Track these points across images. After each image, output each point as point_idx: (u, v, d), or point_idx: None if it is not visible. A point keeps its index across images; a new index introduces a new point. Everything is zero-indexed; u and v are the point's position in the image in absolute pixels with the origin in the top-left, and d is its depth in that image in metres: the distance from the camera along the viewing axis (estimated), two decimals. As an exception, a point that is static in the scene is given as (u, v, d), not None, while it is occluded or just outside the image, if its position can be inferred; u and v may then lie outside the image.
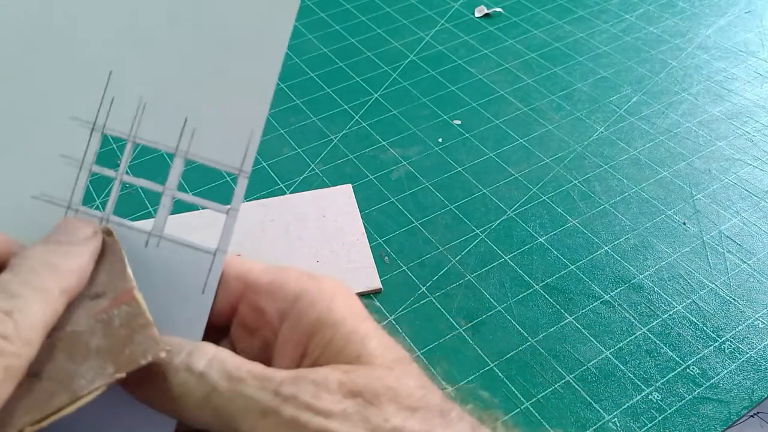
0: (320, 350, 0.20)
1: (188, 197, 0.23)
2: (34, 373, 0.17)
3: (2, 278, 0.18)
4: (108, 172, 0.22)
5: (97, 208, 0.23)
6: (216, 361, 0.19)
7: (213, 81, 0.21)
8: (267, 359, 0.21)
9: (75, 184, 0.22)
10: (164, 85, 0.21)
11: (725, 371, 0.44)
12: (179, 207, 0.55)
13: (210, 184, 0.58)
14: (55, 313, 0.18)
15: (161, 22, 0.21)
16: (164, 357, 0.19)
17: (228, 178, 0.59)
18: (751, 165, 0.59)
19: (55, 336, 0.18)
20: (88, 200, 0.23)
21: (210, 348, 0.20)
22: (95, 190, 0.53)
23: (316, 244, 0.53)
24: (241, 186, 0.21)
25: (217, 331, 0.23)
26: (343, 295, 0.22)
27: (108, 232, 0.21)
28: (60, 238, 0.20)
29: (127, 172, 0.23)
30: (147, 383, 0.19)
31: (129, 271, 0.20)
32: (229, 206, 0.22)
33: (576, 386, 0.44)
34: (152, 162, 0.56)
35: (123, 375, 0.18)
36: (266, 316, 0.22)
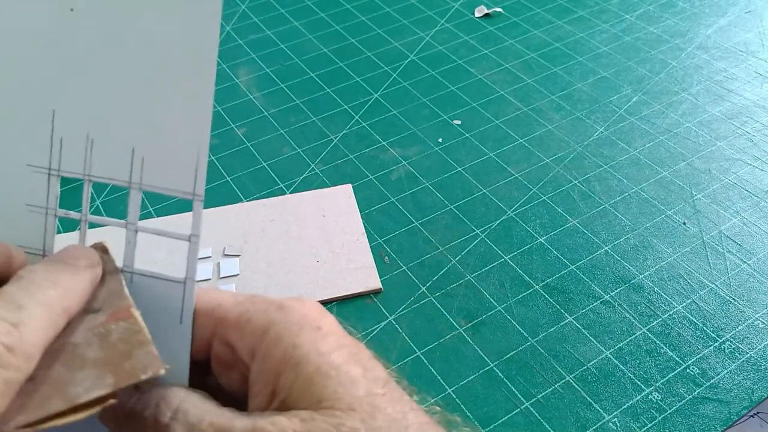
0: (286, 391, 0.20)
1: (151, 228, 0.23)
2: (29, 377, 0.17)
3: (8, 289, 0.18)
4: (74, 215, 0.23)
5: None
6: (180, 413, 0.19)
7: (152, 111, 0.21)
8: (246, 393, 0.21)
9: (45, 231, 0.22)
10: (106, 119, 0.22)
11: (725, 371, 0.44)
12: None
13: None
14: (56, 330, 0.19)
15: (94, 58, 0.21)
16: (163, 374, 0.19)
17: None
18: (751, 165, 0.59)
19: (51, 346, 0.18)
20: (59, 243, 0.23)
21: (178, 397, 0.20)
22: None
23: (316, 244, 0.53)
24: (198, 210, 0.21)
25: (200, 366, 0.23)
26: (311, 325, 0.21)
27: (104, 250, 0.22)
28: (65, 259, 0.20)
29: (92, 210, 0.23)
30: (126, 427, 0.20)
31: (126, 290, 0.21)
32: (189, 233, 0.21)
33: (576, 386, 0.44)
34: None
35: (122, 386, 0.18)
36: (237, 353, 0.22)
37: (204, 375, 0.23)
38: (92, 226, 0.23)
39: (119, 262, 0.22)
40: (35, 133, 0.22)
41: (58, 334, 0.19)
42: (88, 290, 0.20)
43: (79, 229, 0.23)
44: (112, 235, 0.23)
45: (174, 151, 0.21)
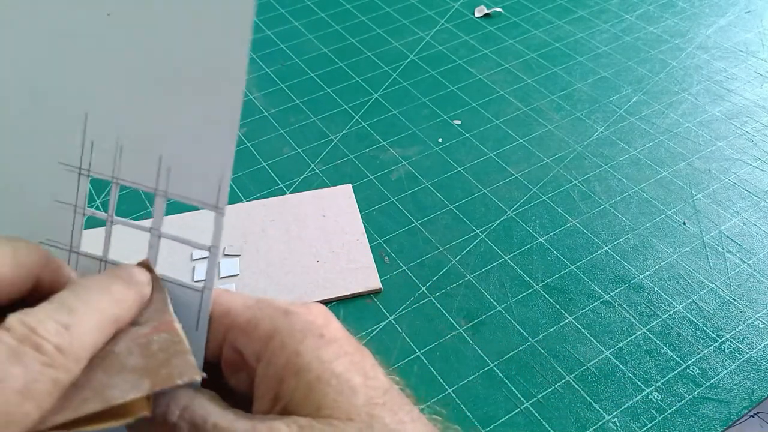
0: (288, 397, 0.20)
1: (173, 235, 0.23)
2: (72, 382, 0.18)
3: (63, 294, 0.19)
4: (100, 215, 0.24)
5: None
6: (187, 413, 0.20)
7: (180, 122, 0.22)
8: (253, 394, 0.22)
9: (73, 228, 0.23)
10: (136, 126, 0.22)
11: (725, 371, 0.44)
12: (177, 208, 0.55)
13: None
14: (105, 337, 0.19)
15: (128, 66, 0.22)
16: (199, 381, 0.19)
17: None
18: (751, 165, 0.59)
19: (95, 355, 0.19)
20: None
21: (186, 396, 0.21)
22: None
23: (316, 244, 0.53)
24: (218, 224, 0.22)
25: (212, 367, 0.23)
26: (314, 332, 0.21)
27: (149, 268, 0.22)
28: (119, 274, 0.21)
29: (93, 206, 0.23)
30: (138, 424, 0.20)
31: (170, 306, 0.21)
32: (210, 245, 0.22)
33: (576, 386, 0.44)
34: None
35: (157, 389, 0.19)
36: (245, 357, 0.22)
37: (216, 376, 0.23)
38: (119, 212, 0.24)
39: None
40: (68, 134, 0.23)
41: (105, 344, 0.19)
42: (138, 305, 0.21)
43: (105, 229, 0.24)
44: (124, 234, 0.24)
45: (200, 164, 0.22)
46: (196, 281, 0.23)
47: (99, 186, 0.53)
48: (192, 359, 0.20)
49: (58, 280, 0.21)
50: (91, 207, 0.23)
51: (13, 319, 0.17)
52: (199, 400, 0.21)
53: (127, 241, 0.25)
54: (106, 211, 0.24)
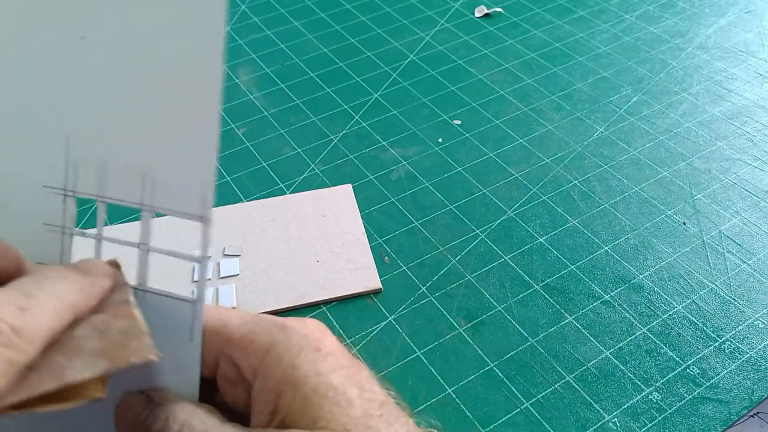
0: (285, 411, 0.21)
1: (163, 249, 0.24)
2: (30, 366, 0.18)
3: (21, 280, 0.19)
4: (89, 233, 0.24)
5: None
6: (186, 428, 0.20)
7: (161, 136, 0.22)
8: (250, 410, 0.22)
9: (62, 250, 0.23)
10: (118, 144, 0.22)
11: (725, 371, 0.44)
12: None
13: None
14: (61, 323, 0.19)
15: (105, 86, 0.22)
16: (154, 360, 0.19)
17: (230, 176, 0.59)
18: (751, 165, 0.59)
19: (54, 341, 0.19)
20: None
21: (185, 411, 0.21)
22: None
23: (316, 244, 0.53)
24: (206, 234, 0.22)
25: (209, 383, 0.23)
26: (311, 345, 0.22)
27: (116, 265, 0.22)
28: (79, 265, 0.21)
29: (106, 223, 0.24)
30: None
31: (131, 297, 0.21)
32: (200, 255, 0.22)
33: (576, 386, 0.44)
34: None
35: (112, 369, 0.19)
36: (241, 372, 0.22)
37: (213, 391, 0.24)
38: (107, 239, 0.24)
39: (132, 281, 0.23)
40: (51, 156, 0.23)
41: (63, 331, 0.19)
42: (97, 295, 0.21)
43: (94, 248, 0.24)
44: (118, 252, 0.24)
45: (182, 176, 0.22)
46: (196, 281, 0.23)
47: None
48: (149, 341, 0.20)
49: (17, 271, 0.21)
50: (80, 214, 0.24)
51: None
52: (198, 415, 0.21)
53: (116, 254, 0.25)
54: (92, 227, 0.24)
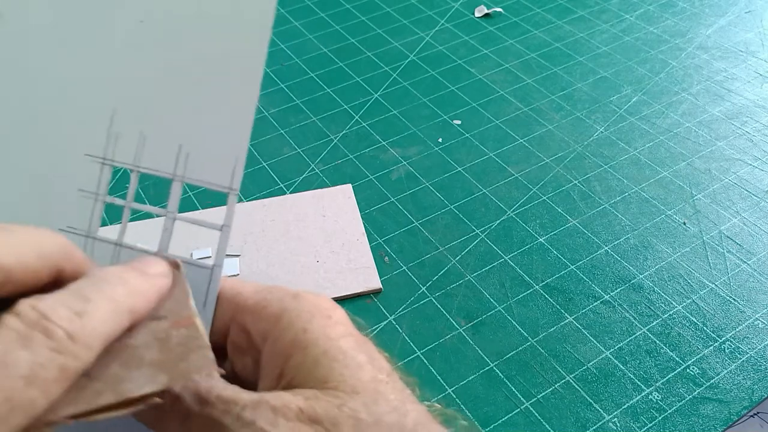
0: (293, 372, 0.21)
1: (187, 217, 0.25)
2: (85, 373, 0.18)
3: (78, 283, 0.19)
4: (119, 201, 0.25)
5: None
6: (191, 383, 0.20)
7: (201, 113, 0.24)
8: (258, 378, 0.22)
9: (92, 215, 0.25)
10: (160, 119, 0.24)
11: (725, 371, 0.44)
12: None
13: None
14: (119, 328, 0.19)
15: (155, 65, 0.24)
16: (216, 375, 0.20)
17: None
18: (751, 165, 0.59)
19: (112, 347, 0.19)
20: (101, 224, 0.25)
21: None
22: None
23: (316, 244, 0.53)
24: (232, 203, 0.24)
25: (217, 351, 0.23)
26: (322, 313, 0.22)
27: (176, 265, 0.23)
28: (137, 266, 0.21)
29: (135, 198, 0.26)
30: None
31: (192, 302, 0.21)
32: (222, 224, 0.24)
33: (576, 386, 0.44)
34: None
35: (173, 385, 0.19)
36: (252, 337, 0.22)
37: (222, 360, 0.23)
38: (134, 213, 0.26)
39: (155, 247, 0.24)
40: (96, 127, 0.25)
41: (121, 336, 0.19)
42: (155, 297, 0.21)
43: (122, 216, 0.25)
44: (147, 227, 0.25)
45: (217, 150, 0.24)
46: (205, 257, 0.23)
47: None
48: (210, 355, 0.20)
49: (80, 273, 0.20)
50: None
51: (24, 304, 0.17)
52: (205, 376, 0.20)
53: (140, 228, 0.26)
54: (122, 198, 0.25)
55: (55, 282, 0.20)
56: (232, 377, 0.22)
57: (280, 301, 0.22)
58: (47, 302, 0.17)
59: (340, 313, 0.23)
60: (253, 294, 0.23)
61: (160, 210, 0.25)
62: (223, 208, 0.24)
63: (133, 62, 0.24)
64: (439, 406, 0.22)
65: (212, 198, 0.57)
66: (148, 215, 0.55)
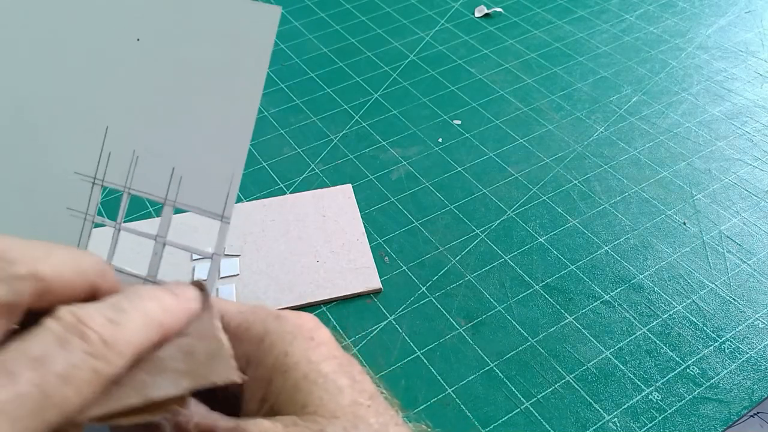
0: (274, 397, 0.21)
1: (178, 243, 0.25)
2: (115, 381, 0.18)
3: (115, 297, 0.20)
4: (109, 222, 0.25)
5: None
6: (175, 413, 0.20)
7: (196, 137, 0.24)
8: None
9: (80, 234, 0.24)
10: (153, 140, 0.24)
11: (725, 371, 0.44)
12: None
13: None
14: (149, 340, 0.19)
15: (151, 85, 0.24)
16: (239, 382, 0.20)
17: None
18: (751, 165, 0.59)
19: (140, 359, 0.19)
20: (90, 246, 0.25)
21: None
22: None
23: (316, 244, 0.53)
24: (222, 232, 0.23)
25: None
26: (305, 334, 0.22)
27: (201, 287, 0.23)
28: (170, 287, 0.21)
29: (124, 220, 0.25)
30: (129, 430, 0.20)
31: (218, 322, 0.22)
32: (212, 252, 0.23)
33: (576, 386, 0.44)
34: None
35: (195, 387, 0.19)
36: (236, 360, 0.22)
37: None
38: (128, 217, 0.25)
39: (144, 272, 0.24)
40: (88, 145, 0.24)
41: (149, 350, 0.19)
42: (185, 317, 0.21)
43: (112, 236, 0.25)
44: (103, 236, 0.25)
45: (210, 176, 0.23)
46: (198, 279, 0.23)
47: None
48: (233, 363, 0.20)
49: (115, 291, 0.21)
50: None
51: (64, 309, 0.18)
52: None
53: (130, 244, 0.25)
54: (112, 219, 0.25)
55: (91, 299, 0.20)
56: (215, 401, 0.22)
57: (263, 323, 0.22)
58: (85, 309, 0.18)
59: (323, 333, 0.22)
60: (236, 315, 0.23)
61: (151, 234, 0.25)
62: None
63: (128, 80, 0.24)
64: (425, 427, 0.22)
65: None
66: (146, 215, 0.55)
